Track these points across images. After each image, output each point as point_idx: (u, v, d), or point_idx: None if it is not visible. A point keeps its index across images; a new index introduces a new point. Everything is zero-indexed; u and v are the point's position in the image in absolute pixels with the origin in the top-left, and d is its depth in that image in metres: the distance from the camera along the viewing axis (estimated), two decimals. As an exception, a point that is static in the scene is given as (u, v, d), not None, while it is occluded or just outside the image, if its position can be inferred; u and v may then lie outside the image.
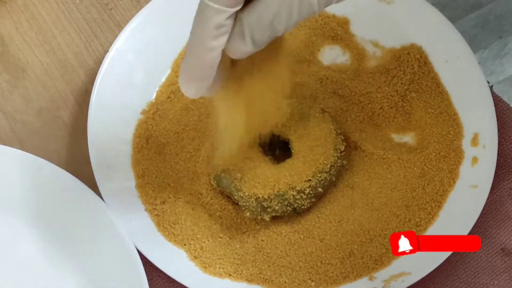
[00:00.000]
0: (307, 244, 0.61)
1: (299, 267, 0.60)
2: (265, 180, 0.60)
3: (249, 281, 0.60)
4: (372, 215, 0.62)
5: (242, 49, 0.48)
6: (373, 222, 0.61)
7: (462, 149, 0.63)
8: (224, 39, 0.47)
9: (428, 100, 0.65)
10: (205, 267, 0.60)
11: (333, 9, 0.68)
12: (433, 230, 0.60)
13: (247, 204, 0.60)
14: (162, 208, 0.62)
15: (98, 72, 0.64)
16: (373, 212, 0.62)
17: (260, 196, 0.59)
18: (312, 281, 0.60)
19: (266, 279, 0.60)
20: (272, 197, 0.59)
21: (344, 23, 0.68)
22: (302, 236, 0.61)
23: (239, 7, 0.47)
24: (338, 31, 0.68)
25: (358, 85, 0.66)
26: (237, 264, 0.60)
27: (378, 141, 0.64)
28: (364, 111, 0.65)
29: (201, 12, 0.47)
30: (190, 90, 0.50)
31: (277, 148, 0.64)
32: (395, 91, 0.65)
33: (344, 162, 0.62)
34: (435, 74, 0.65)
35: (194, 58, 0.48)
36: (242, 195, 0.60)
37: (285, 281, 0.60)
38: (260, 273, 0.60)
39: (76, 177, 0.60)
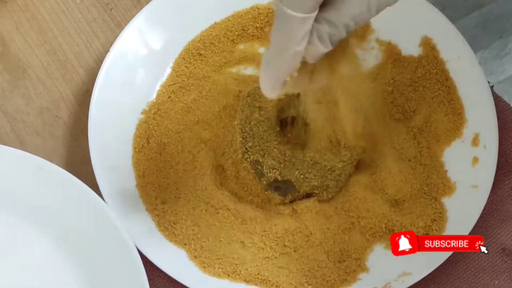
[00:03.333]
0: (305, 246, 0.61)
1: (297, 269, 0.60)
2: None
3: (247, 281, 0.60)
4: (372, 215, 0.62)
5: (321, 50, 0.49)
6: (372, 223, 0.61)
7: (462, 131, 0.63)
8: (305, 42, 0.48)
9: (435, 91, 0.65)
10: (204, 267, 0.60)
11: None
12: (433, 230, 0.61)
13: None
14: (163, 208, 0.62)
15: (99, 72, 0.64)
16: (372, 212, 0.62)
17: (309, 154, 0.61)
18: (309, 284, 0.60)
19: (264, 279, 0.60)
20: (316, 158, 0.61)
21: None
22: (300, 238, 0.61)
23: (317, 11, 0.48)
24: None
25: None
26: (236, 264, 0.60)
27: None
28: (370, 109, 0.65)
29: (285, 22, 0.47)
30: (274, 93, 0.51)
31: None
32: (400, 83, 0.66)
33: (362, 156, 0.63)
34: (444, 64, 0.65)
35: (279, 65, 0.49)
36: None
37: (283, 282, 0.60)
38: (258, 274, 0.60)
39: (76, 177, 0.60)
